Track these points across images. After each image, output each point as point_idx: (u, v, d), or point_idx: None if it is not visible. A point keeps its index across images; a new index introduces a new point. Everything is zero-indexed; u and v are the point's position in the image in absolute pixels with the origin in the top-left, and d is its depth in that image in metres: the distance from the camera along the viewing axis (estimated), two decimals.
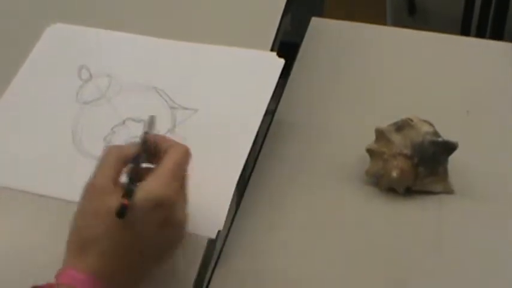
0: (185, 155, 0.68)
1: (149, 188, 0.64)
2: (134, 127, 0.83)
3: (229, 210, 0.76)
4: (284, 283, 0.75)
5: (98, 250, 0.63)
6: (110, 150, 0.68)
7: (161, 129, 0.82)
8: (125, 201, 0.62)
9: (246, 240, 0.78)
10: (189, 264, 0.73)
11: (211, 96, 0.85)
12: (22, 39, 0.95)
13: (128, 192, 0.63)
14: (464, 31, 1.58)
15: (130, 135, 0.82)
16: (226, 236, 0.78)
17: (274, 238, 0.79)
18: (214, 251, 0.76)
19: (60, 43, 0.94)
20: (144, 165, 0.69)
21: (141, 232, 0.64)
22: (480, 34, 1.57)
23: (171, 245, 0.69)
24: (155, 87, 0.87)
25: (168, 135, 0.81)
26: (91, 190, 0.65)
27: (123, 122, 0.84)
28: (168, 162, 0.66)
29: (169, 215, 0.65)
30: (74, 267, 0.63)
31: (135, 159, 0.67)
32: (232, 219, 0.80)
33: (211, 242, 0.74)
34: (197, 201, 0.75)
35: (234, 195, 0.76)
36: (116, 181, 0.66)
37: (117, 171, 0.67)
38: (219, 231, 0.74)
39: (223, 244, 0.78)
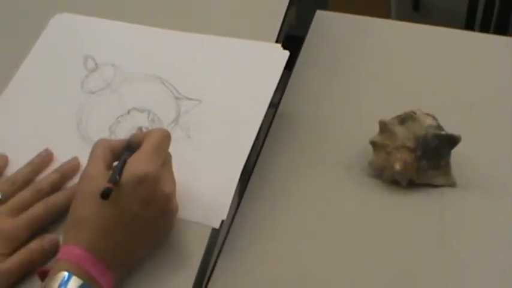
0: (163, 135, 0.73)
1: (130, 167, 0.69)
2: (139, 117, 0.84)
3: (233, 200, 0.76)
4: (286, 273, 0.76)
5: (90, 228, 0.68)
6: (99, 143, 0.74)
7: (165, 119, 0.83)
8: (109, 185, 0.67)
9: (249, 230, 0.79)
10: (192, 253, 0.73)
11: (215, 87, 0.85)
12: (28, 29, 0.96)
13: (112, 178, 0.68)
14: (469, 26, 1.58)
15: (135, 124, 0.83)
16: (230, 226, 0.79)
17: (277, 229, 0.79)
18: (217, 241, 0.76)
19: (66, 33, 0.94)
20: None
21: (127, 209, 0.69)
22: (484, 30, 1.57)
23: (162, 220, 0.72)
24: (160, 77, 0.87)
25: (173, 125, 0.82)
26: (84, 177, 0.71)
27: (128, 112, 0.85)
28: (147, 144, 0.72)
29: (152, 190, 0.69)
30: (70, 243, 0.68)
31: (123, 153, 0.73)
32: (236, 210, 0.80)
33: (215, 232, 0.75)
34: (201, 191, 0.76)
35: (237, 185, 0.77)
36: (105, 167, 0.71)
37: (106, 160, 0.72)
38: (222, 221, 0.74)
39: (227, 234, 0.78)
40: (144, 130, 0.82)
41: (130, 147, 0.73)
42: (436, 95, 0.92)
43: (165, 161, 0.73)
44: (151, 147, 0.71)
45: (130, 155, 0.71)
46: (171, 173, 0.74)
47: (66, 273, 0.65)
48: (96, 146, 0.74)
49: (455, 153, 0.82)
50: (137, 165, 0.69)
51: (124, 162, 0.70)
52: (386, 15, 1.76)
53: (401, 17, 1.75)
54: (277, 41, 0.88)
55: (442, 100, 0.91)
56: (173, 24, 0.92)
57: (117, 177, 0.68)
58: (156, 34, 0.92)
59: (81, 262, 0.66)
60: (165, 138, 0.73)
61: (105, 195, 0.66)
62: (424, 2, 1.73)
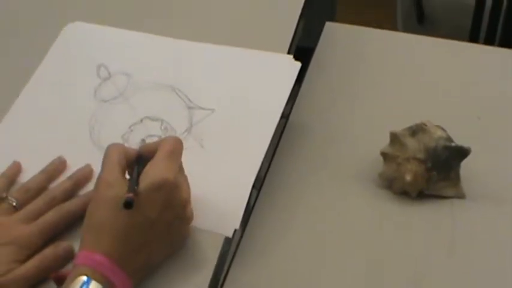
0: (176, 142, 0.74)
1: (148, 174, 0.69)
2: (152, 126, 0.84)
3: (245, 209, 0.77)
4: (298, 282, 0.76)
5: (109, 233, 0.69)
6: (113, 147, 0.74)
7: (178, 128, 0.84)
8: (130, 195, 0.67)
9: (260, 240, 0.79)
10: (205, 261, 0.74)
11: (228, 97, 0.86)
12: (40, 37, 0.96)
13: (132, 188, 0.68)
14: (473, 39, 1.59)
15: (148, 133, 0.84)
16: (242, 234, 0.79)
17: (288, 238, 0.80)
18: (230, 249, 0.77)
19: (79, 41, 0.95)
20: None
21: (145, 215, 0.69)
22: (489, 43, 1.58)
23: (179, 226, 0.73)
24: (172, 86, 0.88)
25: (185, 134, 0.83)
26: (101, 183, 0.71)
27: (141, 121, 0.85)
28: (161, 151, 0.72)
29: (171, 196, 0.70)
30: (89, 248, 0.68)
31: (137, 161, 0.73)
32: (248, 219, 0.81)
33: (228, 240, 0.75)
34: (214, 200, 0.77)
35: (250, 195, 0.77)
36: (121, 173, 0.72)
37: (121, 166, 0.73)
38: (235, 229, 0.75)
39: (239, 242, 0.79)
40: (148, 141, 0.82)
41: (142, 157, 0.74)
42: (444, 107, 0.93)
43: (180, 168, 0.74)
44: (167, 154, 0.72)
45: (144, 165, 0.72)
46: (186, 179, 0.75)
47: (85, 278, 0.65)
48: (110, 150, 0.74)
49: (464, 165, 0.83)
50: (155, 172, 0.70)
51: (139, 172, 0.71)
52: (393, 27, 1.77)
53: (406, 30, 1.76)
54: (288, 52, 0.89)
55: (449, 112, 0.92)
56: (186, 34, 0.93)
57: (135, 186, 0.68)
58: (168, 44, 0.93)
59: (100, 267, 0.67)
60: (179, 145, 0.74)
61: (128, 205, 0.67)
62: (428, 15, 1.74)
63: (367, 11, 2.09)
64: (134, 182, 0.69)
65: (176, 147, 0.73)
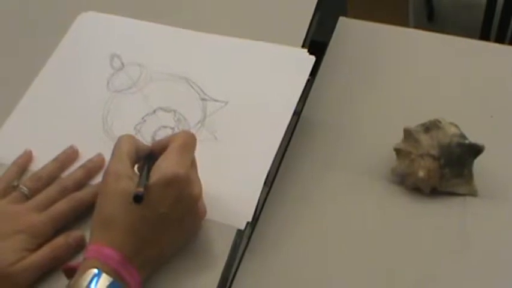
0: (189, 137, 0.73)
1: (160, 169, 0.69)
2: (165, 116, 0.84)
3: (258, 202, 0.77)
4: (309, 275, 0.76)
5: (119, 227, 0.68)
6: (124, 139, 0.74)
7: (191, 119, 0.84)
8: (140, 189, 0.67)
9: (272, 233, 0.79)
10: (217, 253, 0.74)
11: (242, 90, 0.86)
12: (53, 27, 0.96)
13: (142, 183, 0.68)
14: (483, 37, 1.59)
15: (161, 124, 0.84)
16: (253, 228, 0.79)
17: (299, 233, 0.80)
18: (242, 242, 0.76)
19: (92, 31, 0.95)
20: None
21: (157, 210, 0.69)
22: (500, 41, 1.58)
23: (189, 222, 0.73)
24: (186, 78, 0.87)
25: (199, 126, 0.83)
26: (110, 173, 0.70)
27: (154, 112, 0.85)
28: (174, 145, 0.72)
29: (182, 191, 0.70)
30: (99, 242, 0.68)
31: (148, 157, 0.73)
32: (260, 212, 0.81)
33: (240, 233, 0.75)
34: (227, 192, 0.77)
35: (262, 189, 0.77)
36: (131, 165, 0.72)
37: (131, 158, 0.72)
38: (247, 222, 0.75)
39: (250, 236, 0.79)
40: (161, 132, 0.82)
41: (153, 153, 0.73)
42: (456, 104, 0.92)
43: (192, 163, 0.73)
44: (178, 149, 0.71)
45: (155, 161, 0.71)
46: (198, 175, 0.74)
47: (96, 270, 0.65)
48: (121, 141, 0.73)
49: (477, 162, 0.82)
50: (166, 166, 0.69)
51: (150, 167, 0.70)
52: (404, 25, 1.76)
53: (417, 27, 1.76)
54: (303, 46, 0.89)
55: (462, 109, 0.91)
56: (200, 26, 0.93)
57: (146, 181, 0.68)
58: (182, 35, 0.92)
59: (110, 261, 0.67)
60: (192, 140, 0.73)
61: (138, 199, 0.66)
62: (438, 12, 1.74)
63: (378, 8, 2.08)
64: (145, 176, 0.69)
65: (189, 142, 0.73)
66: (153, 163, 0.71)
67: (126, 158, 0.72)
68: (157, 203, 0.69)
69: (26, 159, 0.82)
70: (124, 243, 0.68)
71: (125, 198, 0.68)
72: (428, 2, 1.74)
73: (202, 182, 0.73)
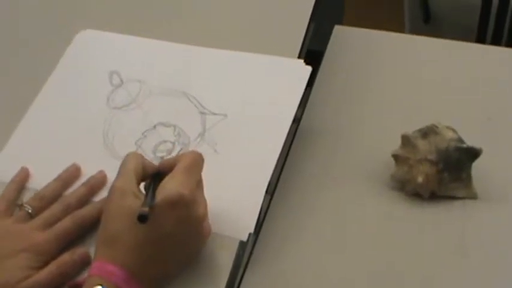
0: (197, 158, 0.73)
1: (165, 189, 0.69)
2: (165, 131, 0.85)
3: (259, 214, 0.78)
4: (311, 285, 0.77)
5: (123, 245, 0.69)
6: (131, 156, 0.74)
7: (191, 134, 0.84)
8: (145, 209, 0.67)
9: (275, 243, 0.80)
10: (221, 265, 0.74)
11: (240, 102, 0.86)
12: (52, 45, 0.97)
13: (148, 202, 0.68)
14: (480, 40, 1.59)
15: (161, 139, 0.84)
16: (256, 238, 0.80)
17: (302, 241, 0.80)
18: (245, 253, 0.77)
19: (91, 49, 0.96)
20: None
21: (161, 230, 0.69)
22: (496, 43, 1.58)
23: (194, 242, 0.73)
24: (185, 92, 0.88)
25: (199, 140, 0.83)
26: (116, 191, 0.71)
27: (154, 127, 0.86)
28: (181, 165, 0.72)
29: (186, 211, 0.70)
30: (102, 259, 0.69)
31: (154, 176, 0.73)
32: (262, 222, 0.81)
33: (243, 244, 0.76)
34: (228, 204, 0.77)
35: (263, 199, 0.78)
36: (136, 183, 0.72)
37: (138, 176, 0.72)
38: (250, 233, 0.76)
39: (253, 246, 0.79)
40: (161, 146, 0.83)
41: (160, 172, 0.74)
42: (454, 108, 0.93)
43: (198, 183, 0.73)
44: (185, 169, 0.71)
45: (161, 180, 0.71)
46: (203, 195, 0.74)
47: (100, 287, 0.66)
48: (128, 159, 0.74)
49: (476, 165, 0.83)
50: (171, 186, 0.69)
51: (155, 186, 0.71)
52: (400, 28, 1.77)
53: (413, 30, 1.77)
54: (299, 56, 0.90)
55: (459, 113, 0.92)
56: (196, 40, 0.94)
57: (152, 200, 0.68)
58: (179, 49, 0.93)
59: (114, 278, 0.67)
60: (199, 160, 0.73)
61: (142, 218, 0.66)
62: (434, 15, 1.75)
63: (374, 12, 2.09)
64: (151, 195, 0.69)
65: (196, 162, 0.73)
66: (160, 182, 0.71)
67: (132, 175, 0.72)
68: (161, 223, 0.69)
69: (23, 176, 0.83)
70: (128, 260, 0.68)
71: (130, 216, 0.68)
72: (425, 5, 1.75)
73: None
